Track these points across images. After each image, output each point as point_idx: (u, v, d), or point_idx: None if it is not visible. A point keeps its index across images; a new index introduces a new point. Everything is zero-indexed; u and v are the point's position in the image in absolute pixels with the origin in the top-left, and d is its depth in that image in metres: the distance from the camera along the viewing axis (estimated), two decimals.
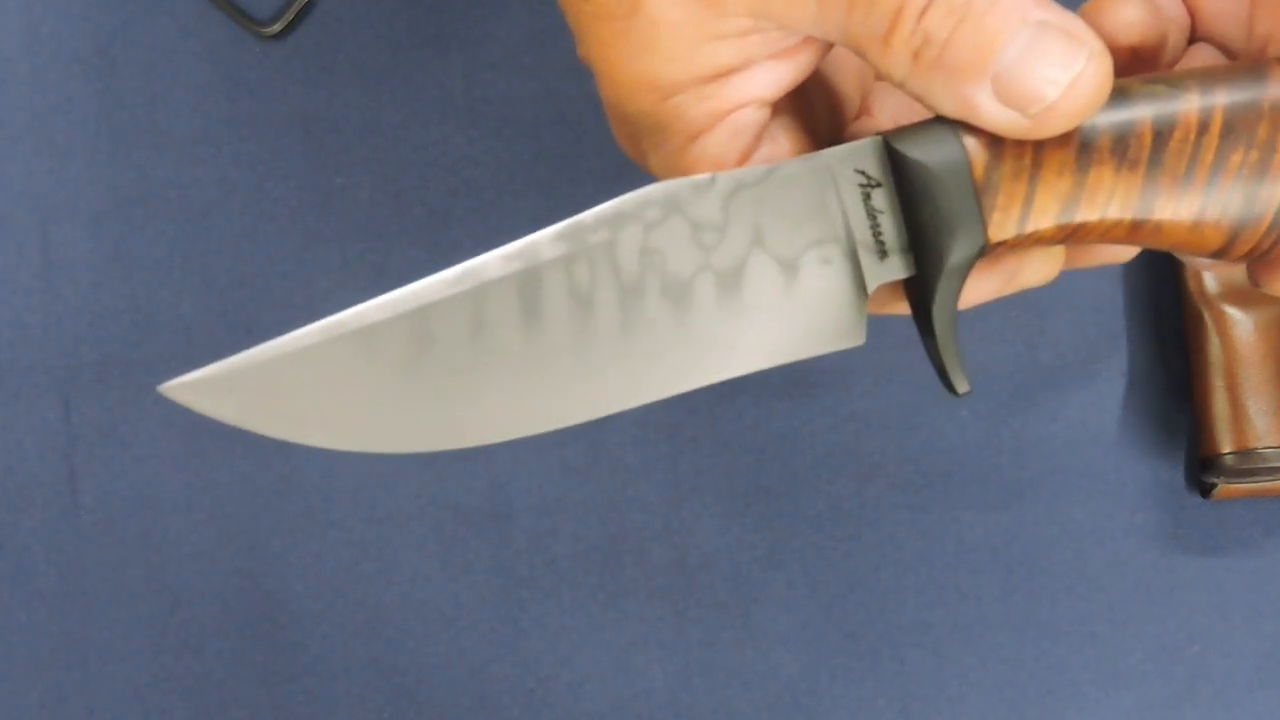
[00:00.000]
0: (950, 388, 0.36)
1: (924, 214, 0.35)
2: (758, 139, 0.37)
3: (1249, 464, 0.56)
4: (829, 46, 0.36)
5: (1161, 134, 0.34)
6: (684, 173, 0.37)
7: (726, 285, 0.35)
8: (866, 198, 0.35)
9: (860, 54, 0.34)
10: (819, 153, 0.35)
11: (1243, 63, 0.35)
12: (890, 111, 0.40)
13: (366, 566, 0.58)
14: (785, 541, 0.58)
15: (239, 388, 0.35)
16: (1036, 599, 0.57)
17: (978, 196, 0.34)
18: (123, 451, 0.58)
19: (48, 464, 0.59)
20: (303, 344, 0.35)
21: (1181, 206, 0.35)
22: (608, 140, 0.39)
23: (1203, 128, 0.34)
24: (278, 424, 0.35)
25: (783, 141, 0.38)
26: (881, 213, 0.35)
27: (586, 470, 0.58)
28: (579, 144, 0.59)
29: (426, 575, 0.58)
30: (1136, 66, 0.38)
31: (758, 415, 0.58)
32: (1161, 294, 0.58)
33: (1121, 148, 0.34)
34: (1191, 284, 0.56)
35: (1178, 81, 0.35)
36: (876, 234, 0.35)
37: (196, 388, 0.34)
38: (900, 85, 0.34)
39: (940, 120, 0.35)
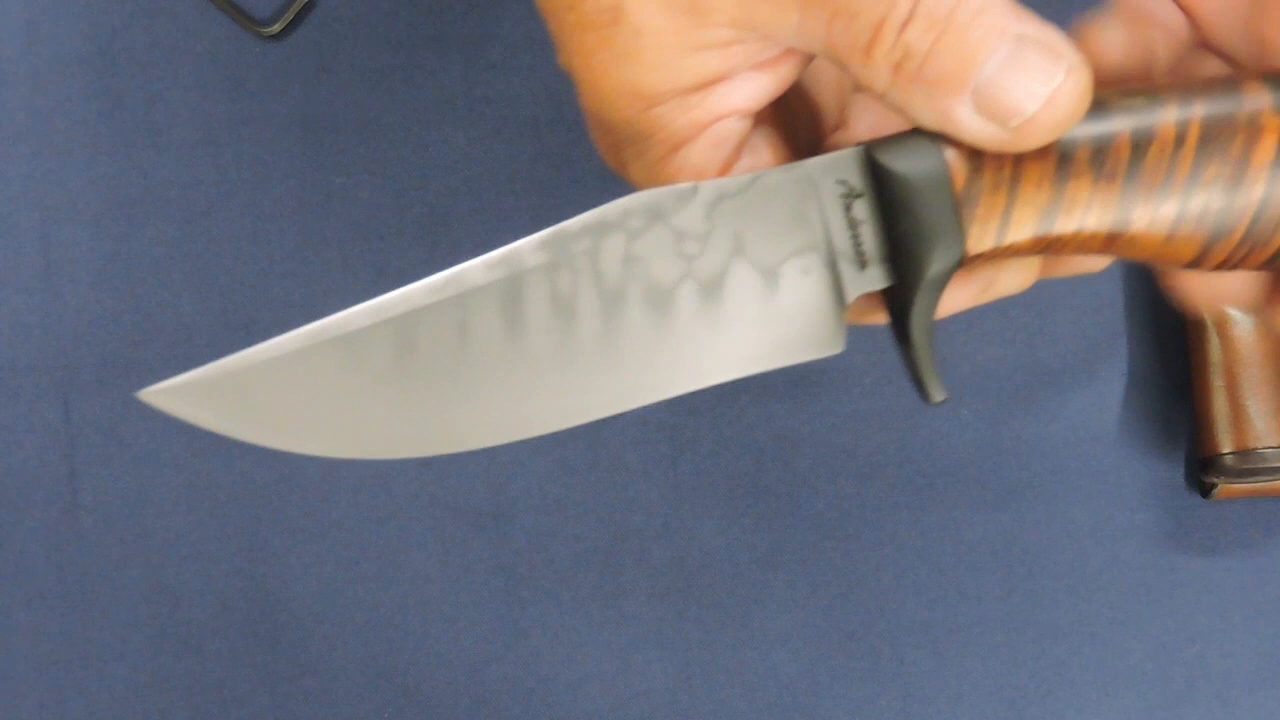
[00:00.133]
0: (925, 397, 0.36)
1: (904, 225, 0.35)
2: (739, 150, 0.37)
3: (1249, 464, 0.56)
4: (810, 58, 0.36)
5: (1139, 147, 0.35)
6: (665, 183, 0.37)
7: (708, 294, 0.35)
8: (847, 208, 0.36)
9: (841, 65, 0.34)
10: (801, 162, 0.36)
11: (1219, 76, 0.36)
12: (868, 124, 0.40)
13: (366, 566, 0.58)
14: (785, 541, 0.58)
15: (220, 394, 0.35)
16: (1036, 599, 0.57)
17: (957, 209, 0.35)
18: (123, 451, 0.58)
19: (48, 464, 0.59)
20: (285, 350, 0.35)
21: (1157, 219, 0.35)
22: None
23: (1179, 141, 0.35)
24: (260, 430, 0.35)
25: (763, 153, 0.38)
26: (862, 223, 0.35)
27: (586, 470, 0.58)
28: (579, 144, 0.59)
29: (426, 575, 0.58)
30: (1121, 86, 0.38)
31: (758, 415, 0.58)
32: (1161, 294, 0.58)
33: (1099, 160, 0.35)
34: None
35: (1155, 94, 0.35)
36: (857, 244, 0.36)
37: (177, 393, 0.34)
38: (881, 97, 0.34)
39: (921, 132, 0.35)
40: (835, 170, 0.35)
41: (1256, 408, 0.56)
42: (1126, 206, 0.35)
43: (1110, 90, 0.35)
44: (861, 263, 0.36)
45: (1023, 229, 0.35)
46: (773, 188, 0.35)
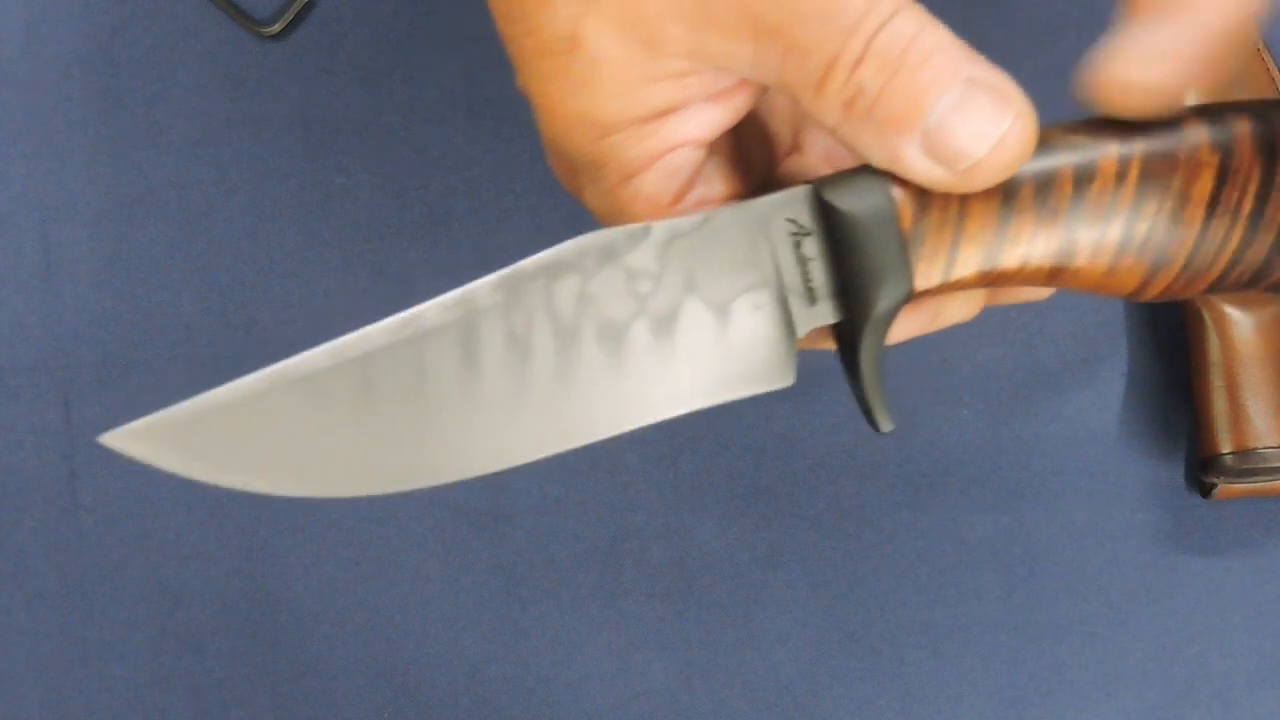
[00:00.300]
0: (874, 426, 0.37)
1: (852, 262, 0.35)
2: (692, 180, 0.37)
3: (1249, 464, 0.56)
4: (764, 89, 0.37)
5: (1081, 183, 0.35)
6: (619, 209, 0.37)
7: (661, 330, 0.36)
8: (797, 245, 0.36)
9: (794, 99, 0.35)
10: (752, 201, 0.36)
11: (1160, 114, 0.36)
12: (821, 149, 0.41)
13: (366, 566, 0.58)
14: (785, 541, 0.58)
15: (182, 436, 0.35)
16: (1036, 599, 0.57)
17: (904, 247, 0.35)
18: None
19: (48, 464, 0.59)
20: (247, 392, 0.35)
21: (1099, 253, 0.35)
22: None
23: (1121, 177, 0.35)
24: (222, 472, 0.36)
25: (716, 183, 0.38)
26: (811, 260, 0.36)
27: (586, 470, 0.58)
28: None
29: (426, 575, 0.58)
30: None
31: (758, 416, 0.58)
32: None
33: (1043, 197, 0.35)
34: None
35: (1097, 131, 0.35)
36: (806, 281, 0.36)
37: (137, 436, 0.35)
38: (832, 133, 0.35)
39: (869, 169, 0.35)
40: (785, 209, 0.36)
41: (1256, 407, 0.56)
42: (1070, 241, 0.35)
43: (1053, 127, 0.36)
44: (811, 299, 0.36)
45: (968, 265, 0.35)
46: (724, 226, 0.36)
